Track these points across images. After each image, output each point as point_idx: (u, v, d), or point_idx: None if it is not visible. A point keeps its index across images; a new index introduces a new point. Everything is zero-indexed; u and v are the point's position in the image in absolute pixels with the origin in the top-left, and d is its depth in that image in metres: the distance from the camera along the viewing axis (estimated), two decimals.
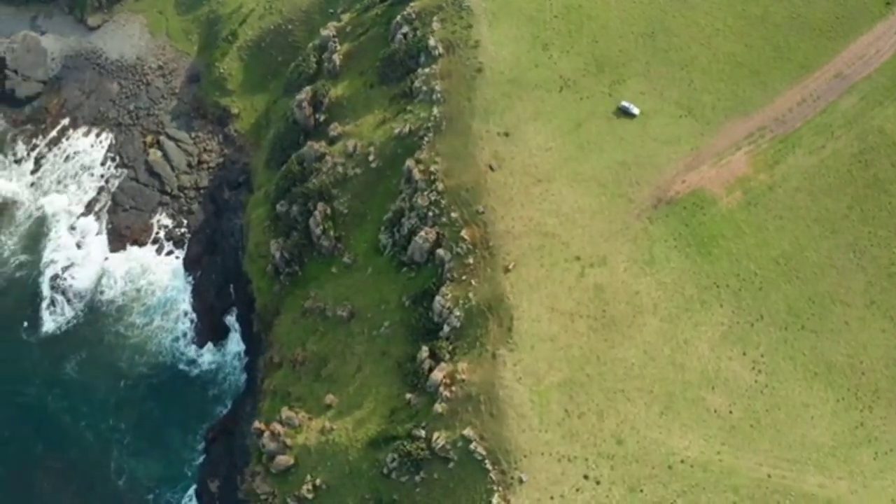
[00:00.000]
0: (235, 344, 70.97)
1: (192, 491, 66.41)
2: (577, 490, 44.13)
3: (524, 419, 45.29)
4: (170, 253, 75.86)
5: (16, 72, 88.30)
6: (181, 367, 71.05)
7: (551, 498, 43.79)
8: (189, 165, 79.22)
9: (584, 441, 44.99)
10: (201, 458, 66.58)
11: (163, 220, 77.40)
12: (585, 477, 44.30)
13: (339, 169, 59.66)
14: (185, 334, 72.07)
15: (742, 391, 48.13)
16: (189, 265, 74.57)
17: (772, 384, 48.84)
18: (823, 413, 48.97)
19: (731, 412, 47.42)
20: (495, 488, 43.98)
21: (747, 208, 53.87)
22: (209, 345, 70.61)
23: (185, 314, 72.67)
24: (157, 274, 75.15)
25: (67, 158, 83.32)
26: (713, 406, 47.42)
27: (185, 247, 75.89)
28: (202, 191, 77.80)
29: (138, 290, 74.81)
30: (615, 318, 48.06)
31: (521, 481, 43.95)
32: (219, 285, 72.12)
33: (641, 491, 44.32)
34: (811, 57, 60.92)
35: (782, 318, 50.58)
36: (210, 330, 70.85)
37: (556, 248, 49.93)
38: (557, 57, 57.97)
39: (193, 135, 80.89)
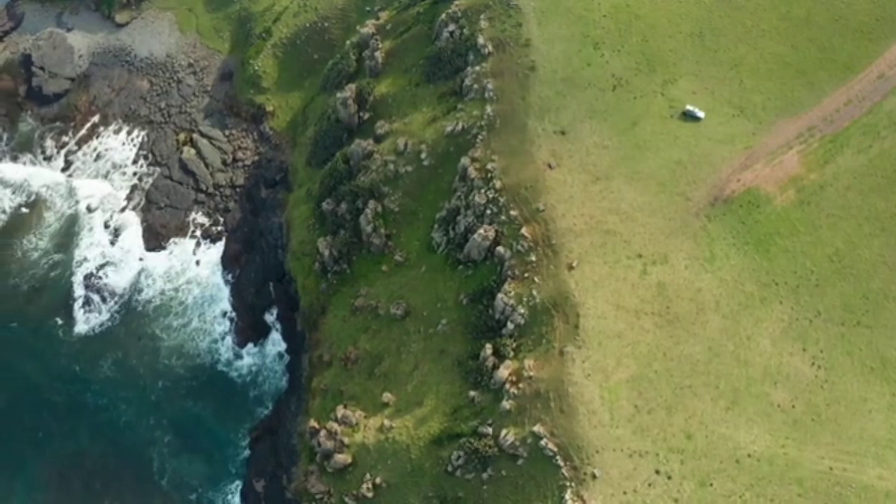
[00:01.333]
0: (276, 343, 70.36)
1: (236, 490, 66.14)
2: (650, 485, 44.53)
3: (595, 415, 45.64)
4: (207, 251, 74.80)
5: (42, 69, 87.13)
6: (221, 366, 70.31)
7: (624, 493, 44.26)
8: (224, 163, 78.48)
9: (654, 436, 45.45)
10: (245, 458, 66.04)
11: (199, 218, 76.68)
12: (657, 472, 44.73)
13: (391, 167, 59.65)
14: (224, 333, 71.33)
15: (803, 386, 48.65)
16: (227, 263, 73.84)
17: (831, 379, 49.41)
18: (880, 407, 49.60)
19: (793, 406, 47.95)
20: (568, 484, 44.29)
21: (801, 207, 54.41)
22: (249, 344, 69.81)
23: (224, 313, 71.99)
24: (194, 272, 74.38)
25: (98, 156, 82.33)
26: (776, 401, 47.96)
27: (223, 245, 75.01)
28: (238, 189, 77.11)
29: (176, 289, 74.03)
30: (679, 315, 48.50)
31: (594, 477, 44.23)
32: (258, 284, 71.50)
33: (711, 485, 44.81)
34: (854, 58, 61.54)
35: (839, 315, 51.14)
36: (250, 329, 70.26)
37: (618, 246, 50.32)
38: (609, 56, 58.32)
39: (227, 132, 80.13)
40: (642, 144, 54.79)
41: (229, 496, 65.93)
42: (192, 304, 73.35)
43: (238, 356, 70.58)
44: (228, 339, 71.00)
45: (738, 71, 58.45)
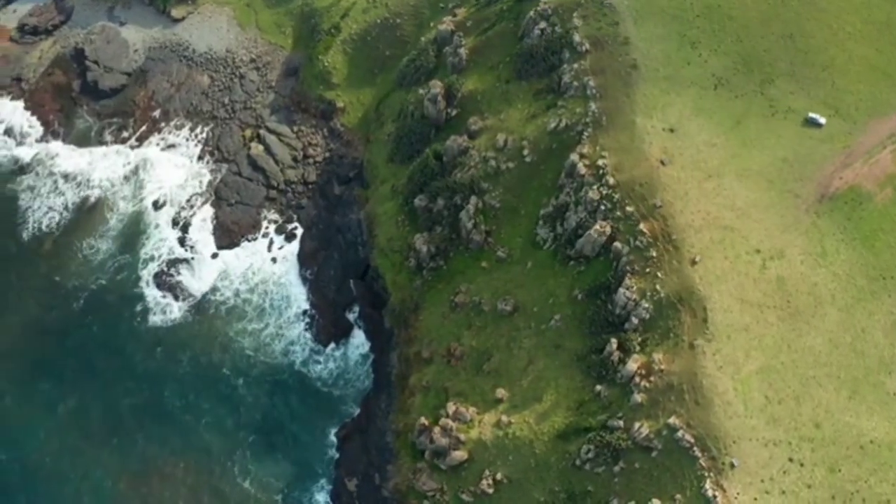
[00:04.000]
0: (359, 340, 69.41)
1: (323, 490, 65.31)
2: (784, 472, 45.53)
3: (730, 406, 46.49)
4: (281, 248, 73.72)
5: (97, 63, 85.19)
6: (301, 364, 69.18)
7: (761, 481, 45.16)
8: (294, 160, 77.34)
9: (785, 426, 46.52)
10: (331, 457, 65.25)
11: (271, 215, 75.47)
12: (790, 460, 45.75)
13: (492, 163, 59.89)
14: (304, 331, 70.18)
15: None
16: (304, 261, 72.64)
17: None
18: None
19: None
20: (706, 474, 45.01)
21: None
22: (331, 342, 68.76)
23: (304, 311, 70.79)
24: (269, 270, 73.07)
25: (162, 152, 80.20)
26: (892, 389, 49.28)
27: (298, 242, 73.90)
28: (310, 185, 76.00)
29: (251, 287, 72.67)
30: (799, 309, 49.65)
31: (732, 466, 45.13)
32: (338, 281, 70.70)
33: (839, 471, 45.95)
34: None
35: None
36: (331, 326, 69.24)
37: (737, 242, 51.35)
38: (707, 55, 59.46)
39: (295, 129, 78.95)
40: (748, 142, 56.11)
41: (316, 496, 64.96)
42: (269, 303, 72.07)
43: (320, 354, 69.51)
44: (309, 338, 69.88)
45: (829, 72, 60.12)
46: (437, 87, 66.20)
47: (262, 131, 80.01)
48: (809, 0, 62.54)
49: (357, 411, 66.86)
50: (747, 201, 53.02)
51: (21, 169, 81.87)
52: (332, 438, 66.44)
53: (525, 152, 59.22)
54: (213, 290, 73.07)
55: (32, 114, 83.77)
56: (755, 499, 44.72)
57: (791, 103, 58.01)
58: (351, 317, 70.60)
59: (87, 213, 78.58)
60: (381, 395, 66.45)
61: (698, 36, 60.54)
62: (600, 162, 55.12)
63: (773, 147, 55.84)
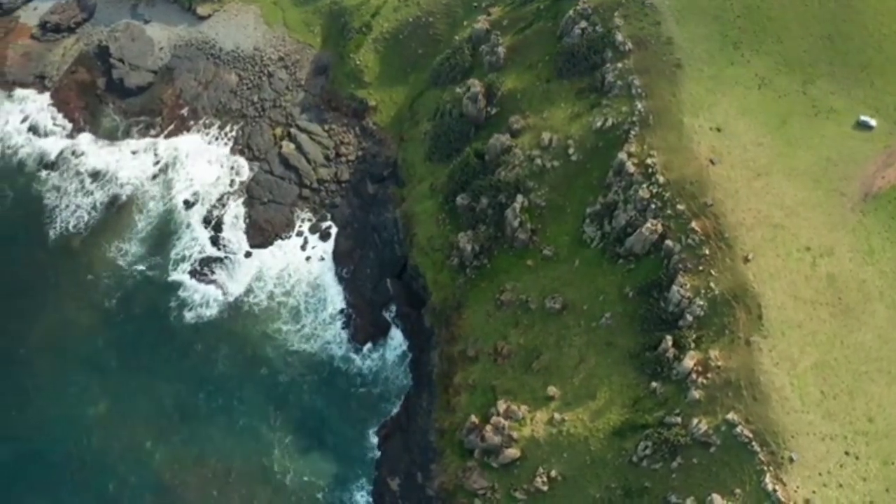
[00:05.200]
0: (396, 339, 69.32)
1: (363, 488, 65.16)
2: (841, 466, 46.22)
3: (787, 402, 47.14)
4: (315, 247, 73.33)
5: (122, 61, 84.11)
6: (339, 363, 69.00)
7: (819, 474, 45.80)
8: (326, 158, 76.90)
9: (840, 420, 47.22)
10: (375, 456, 65.04)
11: (304, 213, 75.05)
12: (846, 453, 46.46)
13: (537, 161, 60.20)
14: (341, 330, 69.89)
15: None
16: (339, 260, 72.42)
17: None
18: None
19: None
20: (766, 469, 45.62)
21: None
22: (370, 341, 68.57)
23: (341, 310, 70.48)
24: (305, 269, 72.64)
25: (191, 151, 79.62)
26: None
27: (332, 241, 73.57)
28: (343, 184, 75.66)
29: (286, 286, 72.26)
30: (849, 306, 50.38)
31: (791, 460, 45.74)
32: (374, 280, 70.63)
33: (893, 464, 46.66)
34: None
35: None
36: (369, 325, 69.05)
37: (788, 240, 52.01)
38: (749, 56, 60.10)
39: (327, 127, 78.47)
40: (793, 141, 56.80)
41: (356, 494, 64.92)
42: (305, 301, 71.76)
43: (357, 353, 69.30)
44: (346, 336, 69.63)
45: (868, 73, 60.75)
46: (477, 85, 66.57)
47: (292, 130, 79.59)
48: (846, 2, 63.70)
49: (396, 410, 67.10)
50: (795, 200, 53.81)
51: (47, 167, 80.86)
52: (372, 437, 66.40)
53: (570, 151, 59.53)
54: (248, 288, 72.50)
55: (58, 111, 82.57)
56: (813, 492, 45.47)
57: (832, 103, 58.80)
58: (388, 316, 70.48)
59: (116, 212, 77.75)
60: (421, 394, 66.54)
61: (740, 36, 61.25)
62: (649, 161, 55.57)
63: (818, 146, 56.62)
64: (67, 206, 78.21)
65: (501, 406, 55.39)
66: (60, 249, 76.35)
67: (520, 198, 59.35)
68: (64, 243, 76.34)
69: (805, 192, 54.36)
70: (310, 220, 75.59)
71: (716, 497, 45.78)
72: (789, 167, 55.37)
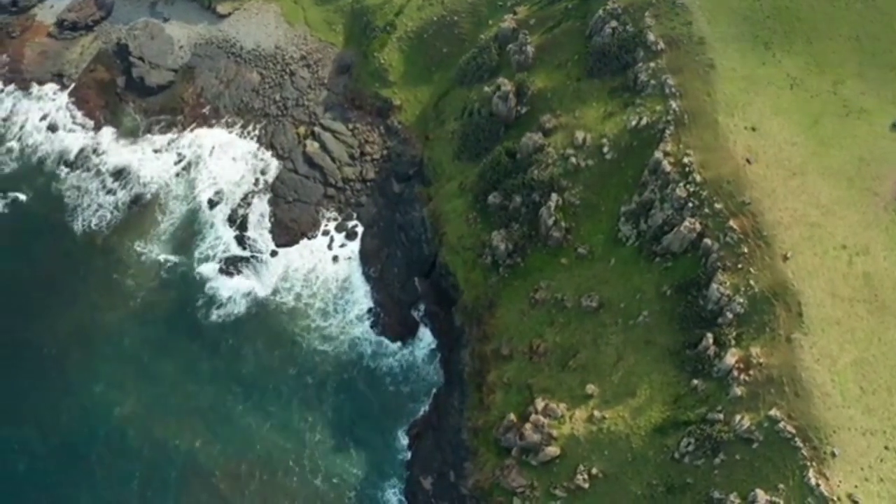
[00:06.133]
0: (425, 338, 69.29)
1: (395, 487, 65.22)
2: (881, 461, 46.73)
3: (829, 398, 47.69)
4: (343, 246, 73.31)
5: (141, 59, 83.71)
6: (370, 363, 68.97)
7: (861, 469, 46.32)
8: (351, 157, 76.80)
9: (880, 415, 47.73)
10: (406, 455, 65.10)
11: (330, 212, 74.96)
12: (886, 448, 46.98)
13: (572, 160, 60.49)
14: (369, 329, 69.87)
15: None
16: (366, 259, 72.49)
17: None
18: None
19: None
20: (808, 464, 46.06)
21: None
22: (398, 340, 68.78)
23: (369, 310, 70.45)
24: (332, 268, 72.55)
25: (214, 149, 79.43)
26: None
27: (359, 240, 73.62)
28: (369, 183, 75.65)
29: (314, 285, 72.08)
30: (886, 303, 50.84)
31: (833, 455, 46.33)
32: (402, 279, 70.66)
33: None
34: None
35: None
36: (398, 324, 69.16)
37: (824, 238, 52.54)
38: (780, 56, 60.71)
39: (351, 126, 78.43)
40: (826, 141, 57.38)
41: (388, 493, 65.01)
42: (333, 300, 71.62)
43: (386, 352, 69.39)
44: (375, 336, 69.66)
45: None
46: (507, 84, 66.87)
47: (316, 129, 79.48)
48: (871, 3, 64.51)
49: (427, 409, 67.24)
50: (830, 199, 54.39)
51: (68, 166, 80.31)
52: (403, 436, 66.53)
53: (605, 150, 59.83)
54: (275, 287, 72.31)
55: (77, 109, 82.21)
56: (856, 486, 46.04)
57: (863, 104, 59.42)
58: (416, 315, 70.52)
59: (139, 211, 77.41)
60: (452, 393, 66.62)
61: (770, 37, 61.87)
62: (685, 160, 55.93)
63: (850, 146, 57.25)
64: (89, 206, 77.83)
65: (540, 404, 55.64)
66: (83, 249, 75.86)
67: (554, 196, 59.62)
68: (87, 243, 75.88)
69: (839, 191, 55.02)
70: (335, 219, 75.50)
71: (759, 492, 46.36)
72: (823, 166, 56.08)
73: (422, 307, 70.79)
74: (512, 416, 56.26)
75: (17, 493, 64.44)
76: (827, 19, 64.52)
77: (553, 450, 53.83)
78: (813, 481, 45.94)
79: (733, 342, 50.49)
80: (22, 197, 79.52)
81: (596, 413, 53.98)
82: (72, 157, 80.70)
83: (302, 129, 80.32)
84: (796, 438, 46.89)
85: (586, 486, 52.35)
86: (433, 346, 69.95)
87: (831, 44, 63.08)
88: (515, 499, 55.27)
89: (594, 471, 52.38)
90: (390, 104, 78.82)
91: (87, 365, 70.36)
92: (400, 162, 77.76)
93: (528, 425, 54.86)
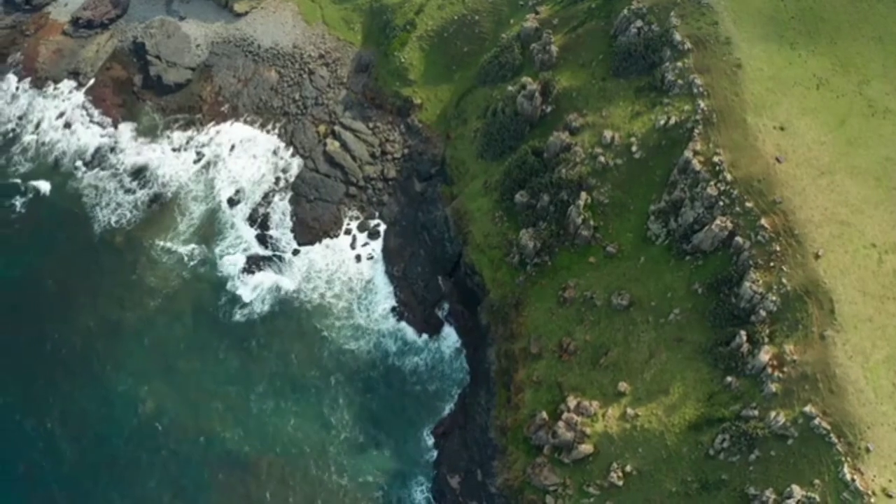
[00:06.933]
0: (450, 337, 69.44)
1: (422, 485, 65.29)
2: None
3: (862, 394, 48.25)
4: (365, 245, 73.34)
5: (158, 57, 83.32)
6: (394, 361, 69.06)
7: (895, 464, 47.41)
8: (372, 156, 76.88)
9: None
10: (432, 454, 65.24)
11: (352, 211, 74.95)
12: None
13: (600, 159, 60.86)
14: (393, 328, 69.97)
15: None
16: (389, 258, 72.55)
17: None
18: None
19: None
20: (843, 459, 46.69)
21: None
22: (423, 339, 69.01)
23: (393, 308, 70.58)
24: (354, 268, 72.60)
25: (233, 148, 79.23)
26: None
27: (381, 239, 73.69)
28: (390, 182, 75.73)
29: (337, 284, 71.98)
30: None
31: (867, 451, 46.92)
32: (426, 278, 70.78)
33: None
34: None
35: None
36: (422, 323, 69.32)
37: (854, 236, 53.18)
38: (806, 56, 61.32)
39: (371, 125, 78.52)
40: (853, 141, 58.02)
41: (415, 492, 65.12)
42: (357, 300, 71.66)
43: (410, 351, 69.56)
44: (399, 335, 69.80)
45: None
46: (532, 83, 67.14)
47: (336, 127, 79.33)
48: (893, 5, 64.96)
49: (453, 408, 67.43)
50: (859, 197, 55.02)
51: (86, 164, 79.84)
52: (429, 435, 66.73)
53: (633, 149, 60.23)
54: (298, 286, 72.29)
55: (94, 108, 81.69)
56: (890, 480, 46.47)
57: (888, 104, 60.01)
58: (440, 313, 70.63)
59: (158, 211, 77.11)
60: (478, 391, 66.93)
61: (795, 37, 62.48)
62: (715, 159, 56.39)
63: (876, 146, 57.82)
64: (108, 204, 77.46)
65: (572, 402, 55.92)
66: (103, 248, 75.45)
67: (583, 195, 59.96)
68: (106, 242, 75.55)
69: (867, 190, 55.67)
70: (357, 218, 75.52)
71: (795, 488, 46.90)
72: (851, 166, 56.70)
73: (446, 306, 71.06)
74: (544, 415, 56.79)
75: (42, 486, 63.91)
76: (849, 20, 65.20)
77: (587, 447, 54.12)
78: (848, 476, 46.58)
79: (766, 339, 51.12)
80: (40, 195, 78.90)
81: (629, 410, 54.40)
82: (90, 155, 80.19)
83: (322, 128, 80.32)
84: (831, 434, 47.51)
85: (620, 483, 52.71)
86: (458, 344, 70.13)
87: (855, 44, 63.83)
88: (548, 496, 55.72)
89: (628, 468, 52.86)
90: (411, 103, 78.95)
91: (111, 362, 70.24)
92: (421, 161, 77.81)
93: (560, 423, 55.17)
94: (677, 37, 62.67)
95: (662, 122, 59.87)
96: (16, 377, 68.64)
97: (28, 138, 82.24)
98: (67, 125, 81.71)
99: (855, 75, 61.83)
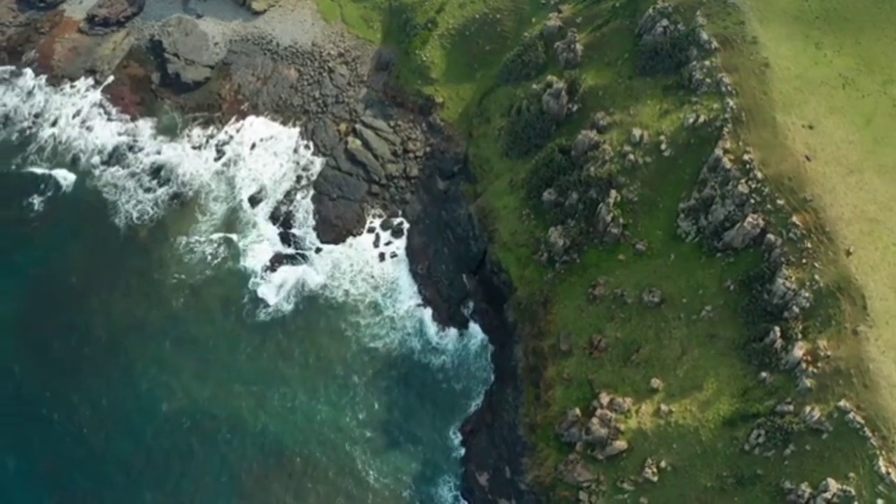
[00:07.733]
0: (476, 335, 69.49)
1: (450, 483, 65.48)
2: None
3: (895, 389, 49.44)
4: (389, 244, 73.36)
5: (176, 55, 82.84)
6: (420, 359, 69.02)
7: None
8: (394, 154, 76.85)
9: None
10: (460, 452, 65.25)
11: (375, 210, 74.91)
12: None
13: (630, 157, 61.20)
14: (419, 327, 70.07)
15: None
16: (413, 256, 72.55)
17: None
18: None
19: None
20: (878, 453, 47.38)
21: None
22: (448, 337, 69.08)
23: (418, 306, 70.60)
24: (378, 266, 72.59)
25: (254, 146, 78.95)
26: None
27: (405, 238, 73.68)
28: (412, 180, 75.69)
29: (361, 282, 71.89)
30: None
31: None
32: (450, 276, 70.77)
33: None
34: None
35: None
36: (447, 321, 69.29)
37: (884, 234, 53.91)
38: (831, 56, 62.02)
39: (392, 123, 78.41)
40: (880, 140, 58.75)
41: (443, 489, 65.21)
42: (382, 298, 71.59)
43: (436, 349, 69.64)
44: (424, 333, 69.77)
45: None
46: (558, 82, 67.41)
47: (357, 126, 79.26)
48: None
49: (480, 405, 67.53)
50: (887, 195, 55.79)
51: (104, 163, 79.31)
52: (456, 433, 66.73)
53: (663, 147, 60.70)
54: (322, 284, 72.13)
55: (112, 106, 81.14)
56: None
57: None
58: (465, 311, 70.63)
59: (179, 209, 76.72)
60: (505, 389, 67.03)
61: (820, 37, 63.22)
62: (745, 157, 56.99)
63: None
64: (128, 202, 77.00)
65: (605, 398, 56.34)
66: (123, 247, 74.99)
67: (613, 193, 60.40)
68: (129, 239, 74.99)
69: (895, 188, 56.98)
70: (380, 216, 75.45)
71: (831, 481, 47.54)
72: (879, 164, 57.42)
73: (471, 304, 71.15)
74: (577, 411, 57.12)
75: (70, 480, 63.43)
76: (872, 21, 65.97)
77: (621, 444, 54.59)
78: (883, 469, 47.19)
79: (800, 335, 51.73)
80: (59, 193, 78.14)
81: (663, 407, 54.85)
82: (108, 153, 79.54)
83: (343, 126, 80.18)
84: (865, 428, 48.11)
85: (655, 479, 53.16)
86: (484, 342, 70.24)
87: (879, 44, 64.60)
88: (581, 492, 56.17)
89: (663, 464, 53.36)
90: (432, 101, 78.93)
91: (139, 357, 69.77)
92: (444, 159, 77.82)
93: (594, 420, 55.56)
94: (704, 36, 63.24)
95: (691, 120, 60.38)
96: (43, 371, 68.10)
97: (45, 136, 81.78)
98: (85, 123, 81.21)
99: (879, 75, 62.58)
